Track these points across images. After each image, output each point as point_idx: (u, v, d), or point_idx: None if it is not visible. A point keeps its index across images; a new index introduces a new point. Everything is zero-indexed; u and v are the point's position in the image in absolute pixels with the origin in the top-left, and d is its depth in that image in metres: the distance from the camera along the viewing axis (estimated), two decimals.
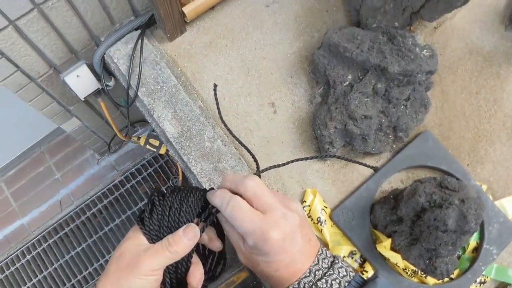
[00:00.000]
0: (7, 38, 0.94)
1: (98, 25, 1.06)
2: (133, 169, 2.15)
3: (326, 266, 0.50)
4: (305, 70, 1.06)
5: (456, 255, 0.92)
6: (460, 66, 1.09)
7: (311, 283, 0.49)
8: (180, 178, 2.06)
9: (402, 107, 1.02)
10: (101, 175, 2.17)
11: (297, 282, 0.49)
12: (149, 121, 1.05)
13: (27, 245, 2.08)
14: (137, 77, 1.03)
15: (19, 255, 2.09)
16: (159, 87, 1.03)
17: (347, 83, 1.02)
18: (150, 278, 0.48)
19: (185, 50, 1.08)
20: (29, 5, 0.89)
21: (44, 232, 2.11)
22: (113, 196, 2.14)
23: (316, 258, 0.51)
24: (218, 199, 0.53)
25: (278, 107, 1.04)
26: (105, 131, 1.75)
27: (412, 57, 0.96)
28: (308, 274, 0.50)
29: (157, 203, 0.56)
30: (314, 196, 0.97)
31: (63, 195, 2.14)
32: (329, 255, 0.52)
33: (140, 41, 1.05)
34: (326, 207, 0.98)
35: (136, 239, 0.52)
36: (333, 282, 0.49)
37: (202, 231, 0.55)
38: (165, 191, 0.58)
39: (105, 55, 1.10)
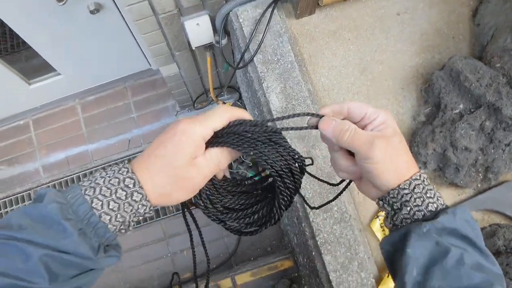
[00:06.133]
0: None
1: None
2: None
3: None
4: (418, 87, 1.07)
5: None
6: None
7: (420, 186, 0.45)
8: None
9: (500, 150, 1.02)
10: None
11: (408, 181, 0.46)
12: (256, 88, 1.07)
13: (85, 172, 2.11)
14: (257, 42, 1.05)
15: (75, 179, 2.11)
16: (275, 59, 1.05)
17: (457, 111, 1.02)
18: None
19: (308, 31, 1.10)
20: None
21: (105, 165, 2.09)
22: None
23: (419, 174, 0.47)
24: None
25: None
26: (195, 86, 1.77)
27: None
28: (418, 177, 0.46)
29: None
30: None
31: (134, 135, 2.14)
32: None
33: (271, 9, 1.07)
34: None
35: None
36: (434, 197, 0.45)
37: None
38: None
39: (231, 13, 1.12)
